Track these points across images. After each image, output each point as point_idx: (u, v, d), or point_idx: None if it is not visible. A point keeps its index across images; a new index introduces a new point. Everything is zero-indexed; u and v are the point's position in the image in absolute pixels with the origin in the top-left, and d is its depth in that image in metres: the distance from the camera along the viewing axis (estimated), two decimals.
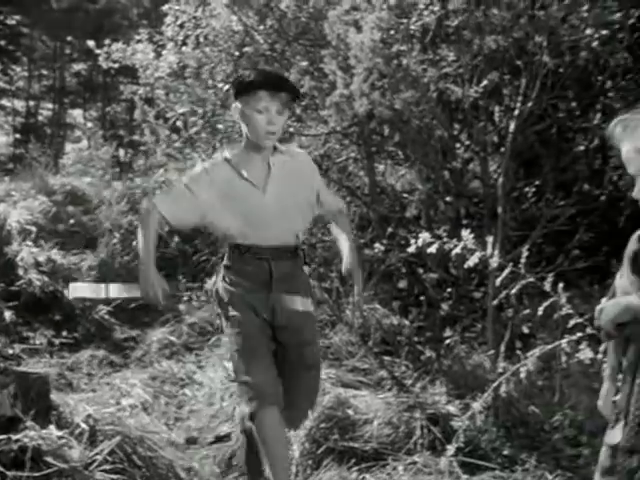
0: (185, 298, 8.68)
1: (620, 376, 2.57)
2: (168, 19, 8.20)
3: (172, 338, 7.90)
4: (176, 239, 9.99)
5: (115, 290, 8.77)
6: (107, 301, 8.62)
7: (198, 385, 6.64)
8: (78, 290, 8.78)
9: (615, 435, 2.57)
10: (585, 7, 6.08)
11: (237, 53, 7.45)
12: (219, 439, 5.61)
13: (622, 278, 2.60)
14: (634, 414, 2.50)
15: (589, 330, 2.96)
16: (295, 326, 4.22)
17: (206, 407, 6.16)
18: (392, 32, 5.94)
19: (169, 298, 4.04)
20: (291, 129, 7.40)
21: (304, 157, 4.38)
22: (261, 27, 7.25)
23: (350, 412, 5.43)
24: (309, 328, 4.30)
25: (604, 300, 2.68)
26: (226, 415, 5.87)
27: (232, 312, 4.16)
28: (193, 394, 6.50)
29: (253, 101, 3.99)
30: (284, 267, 4.17)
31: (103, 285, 9.02)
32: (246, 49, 7.36)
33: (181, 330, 8.09)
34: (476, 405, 4.89)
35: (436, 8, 6.14)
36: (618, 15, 6.28)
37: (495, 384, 5.39)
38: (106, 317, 8.46)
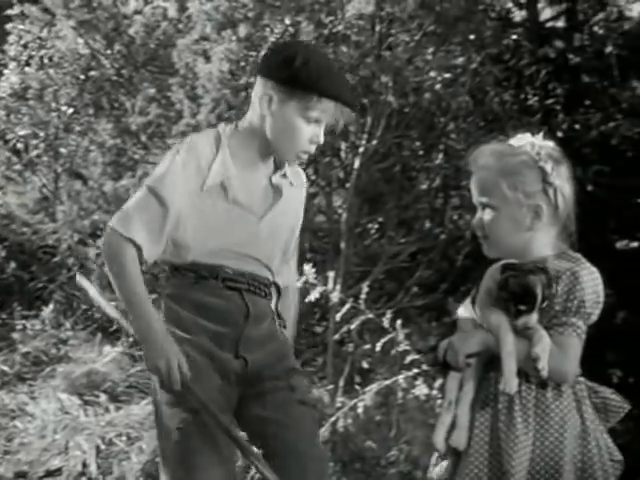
0: (19, 326, 8.39)
1: (458, 411, 2.59)
2: (11, 38, 8.01)
3: (4, 367, 7.61)
4: (12, 264, 9.66)
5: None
6: None
7: (30, 417, 6.41)
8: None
9: (440, 470, 2.60)
10: (430, 50, 6.26)
11: (82, 77, 7.31)
12: (50, 473, 5.44)
13: (467, 312, 2.64)
14: (474, 448, 2.53)
15: (425, 367, 3.00)
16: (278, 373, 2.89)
17: (37, 440, 5.95)
18: (242, 64, 5.95)
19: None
20: (136, 156, 7.28)
21: (303, 181, 3.06)
22: (108, 51, 7.15)
23: None
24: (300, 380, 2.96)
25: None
26: (58, 448, 5.70)
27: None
28: (24, 426, 6.28)
29: (311, 105, 2.74)
30: (260, 306, 2.88)
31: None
32: (92, 73, 7.24)
33: (14, 359, 7.80)
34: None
35: None
36: (461, 60, 6.49)
37: (333, 419, 5.42)
38: None
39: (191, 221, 2.79)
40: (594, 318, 2.55)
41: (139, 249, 2.73)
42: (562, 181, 2.61)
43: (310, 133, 2.78)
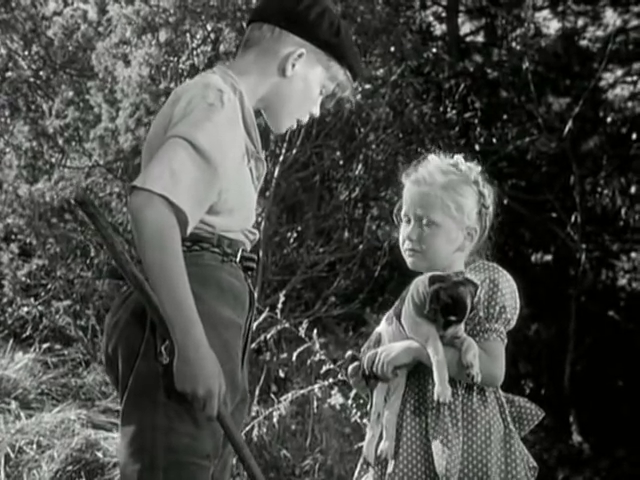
0: None
1: (385, 422, 2.61)
2: None
3: None
4: None
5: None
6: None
7: None
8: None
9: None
10: None
11: None
12: None
13: (391, 325, 2.65)
14: (403, 455, 2.54)
15: (341, 376, 3.00)
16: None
17: None
18: (162, 69, 5.91)
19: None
20: (53, 160, 7.17)
21: None
22: (26, 52, 7.05)
23: (99, 454, 5.26)
24: None
25: (365, 347, 2.72)
26: None
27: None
28: None
29: (336, 77, 2.53)
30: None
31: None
32: (9, 74, 7.12)
33: None
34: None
35: (208, 49, 6.16)
36: (381, 71, 6.54)
37: (248, 427, 5.40)
38: None
39: (233, 188, 2.35)
40: (513, 323, 2.61)
41: (184, 222, 2.21)
42: (492, 206, 2.69)
43: (315, 99, 2.54)
